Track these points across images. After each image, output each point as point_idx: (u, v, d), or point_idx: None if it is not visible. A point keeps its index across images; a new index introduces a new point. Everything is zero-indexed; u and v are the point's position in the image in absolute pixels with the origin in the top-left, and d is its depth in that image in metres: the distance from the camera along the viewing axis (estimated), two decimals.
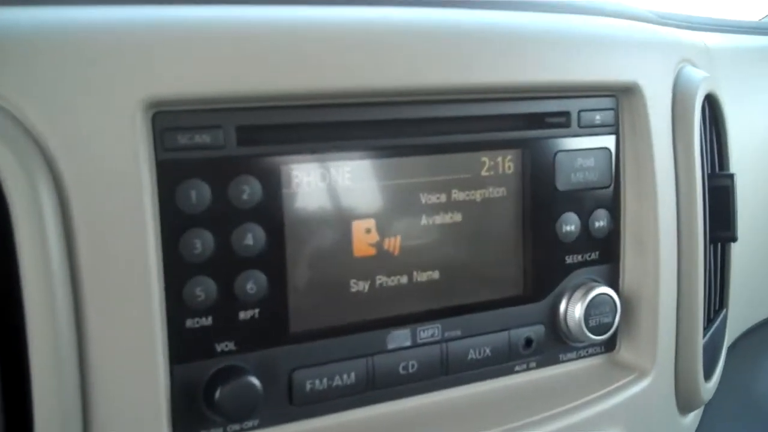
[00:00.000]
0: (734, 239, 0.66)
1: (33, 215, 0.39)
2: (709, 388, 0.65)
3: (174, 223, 0.45)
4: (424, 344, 0.53)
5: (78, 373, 0.42)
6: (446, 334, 0.54)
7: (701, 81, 0.62)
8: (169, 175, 0.44)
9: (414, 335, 0.53)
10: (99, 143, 0.42)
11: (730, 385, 0.72)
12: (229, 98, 0.45)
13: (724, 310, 0.70)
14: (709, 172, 0.65)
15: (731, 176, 0.65)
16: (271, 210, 0.47)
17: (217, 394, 0.45)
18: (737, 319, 0.77)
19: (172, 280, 0.45)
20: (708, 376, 0.65)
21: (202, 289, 0.46)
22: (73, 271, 0.41)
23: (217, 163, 0.45)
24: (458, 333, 0.54)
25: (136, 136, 0.42)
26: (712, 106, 0.67)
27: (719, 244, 0.68)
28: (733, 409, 0.75)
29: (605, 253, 0.59)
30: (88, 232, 0.42)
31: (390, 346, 0.52)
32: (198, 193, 0.45)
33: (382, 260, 0.51)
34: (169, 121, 0.44)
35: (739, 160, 0.71)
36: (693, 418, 0.68)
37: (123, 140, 0.42)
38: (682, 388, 0.62)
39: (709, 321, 0.66)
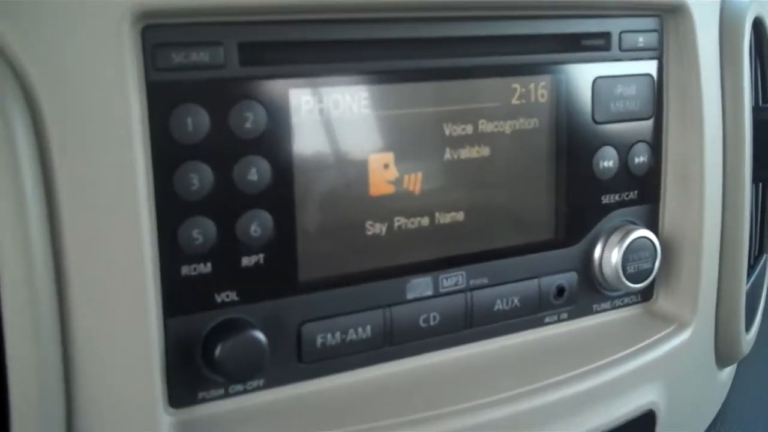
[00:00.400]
0: None
1: (4, 149, 0.33)
2: (749, 339, 0.60)
3: (167, 155, 0.39)
4: (447, 293, 0.48)
5: (58, 328, 0.36)
6: (471, 283, 0.49)
7: (750, 2, 0.56)
8: (162, 99, 0.38)
9: (436, 284, 0.48)
10: (79, 62, 0.36)
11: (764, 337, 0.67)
12: (231, 8, 0.39)
13: (765, 256, 0.64)
14: (753, 104, 0.59)
15: None
16: (278, 141, 0.41)
17: (218, 350, 0.40)
18: None
19: (165, 220, 0.39)
20: (748, 327, 0.60)
21: (200, 231, 0.40)
22: (52, 209, 0.36)
23: (216, 85, 0.39)
24: (484, 281, 0.49)
25: (122, 54, 0.36)
26: (757, 31, 0.61)
27: (760, 185, 0.63)
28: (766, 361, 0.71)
29: (645, 192, 0.54)
30: (67, 166, 0.36)
31: (409, 296, 0.47)
32: (195, 121, 0.39)
33: (401, 200, 0.46)
34: (161, 36, 0.38)
35: None
36: (729, 372, 0.63)
37: (107, 58, 0.36)
38: (722, 340, 0.57)
39: (749, 267, 0.61)
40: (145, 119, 0.38)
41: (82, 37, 0.35)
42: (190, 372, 0.41)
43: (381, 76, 0.44)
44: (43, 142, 0.35)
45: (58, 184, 0.36)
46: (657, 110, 0.53)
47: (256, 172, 0.41)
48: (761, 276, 0.64)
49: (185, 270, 0.40)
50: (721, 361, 0.59)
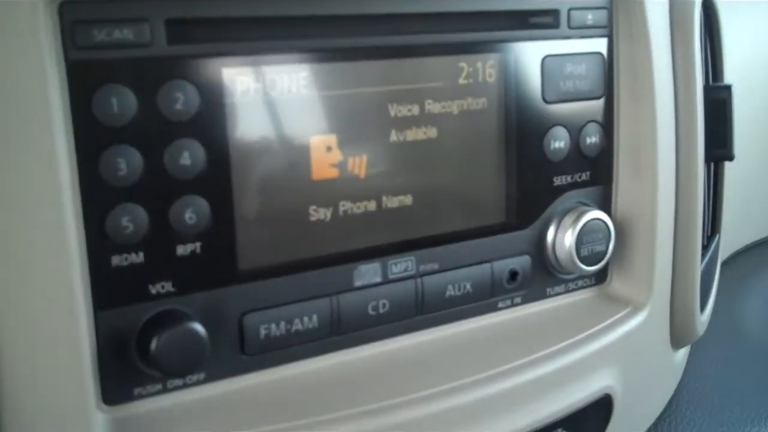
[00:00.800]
0: (731, 157, 0.60)
1: None
2: (703, 320, 0.60)
3: (92, 139, 0.36)
4: (396, 280, 0.46)
5: None
6: (421, 268, 0.47)
7: None
8: (84, 80, 0.36)
9: (384, 270, 0.46)
10: None
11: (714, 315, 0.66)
12: None
13: (717, 236, 0.64)
14: (704, 84, 0.58)
15: (728, 88, 0.59)
16: (212, 123, 0.39)
17: (153, 344, 0.38)
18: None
19: (92, 208, 0.37)
20: (702, 308, 0.59)
21: (130, 218, 0.38)
22: None
23: (142, 64, 0.37)
24: (435, 266, 0.47)
25: (38, 32, 0.34)
26: (707, 11, 0.60)
27: (711, 164, 0.62)
28: (720, 342, 0.71)
29: (597, 173, 0.53)
30: None
31: (357, 284, 0.45)
32: (120, 102, 0.37)
33: (345, 183, 0.44)
34: (81, 13, 0.36)
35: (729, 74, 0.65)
36: (683, 353, 0.63)
37: (22, 37, 0.34)
38: (677, 321, 0.57)
39: (703, 248, 0.60)
40: (66, 101, 0.35)
41: None
42: (125, 367, 0.39)
43: (321, 55, 0.42)
44: None
45: None
46: (608, 89, 0.52)
47: (189, 156, 0.39)
48: (714, 256, 0.63)
49: (116, 260, 0.38)
50: (677, 343, 0.58)
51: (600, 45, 0.51)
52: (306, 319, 0.44)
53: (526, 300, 0.52)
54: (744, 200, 0.84)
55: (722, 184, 0.64)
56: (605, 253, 0.52)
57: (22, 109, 0.34)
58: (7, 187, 0.34)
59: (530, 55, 0.49)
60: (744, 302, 0.81)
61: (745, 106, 0.66)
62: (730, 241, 0.81)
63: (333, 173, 0.44)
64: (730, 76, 0.65)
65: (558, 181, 0.51)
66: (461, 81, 0.47)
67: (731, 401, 0.62)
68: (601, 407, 0.51)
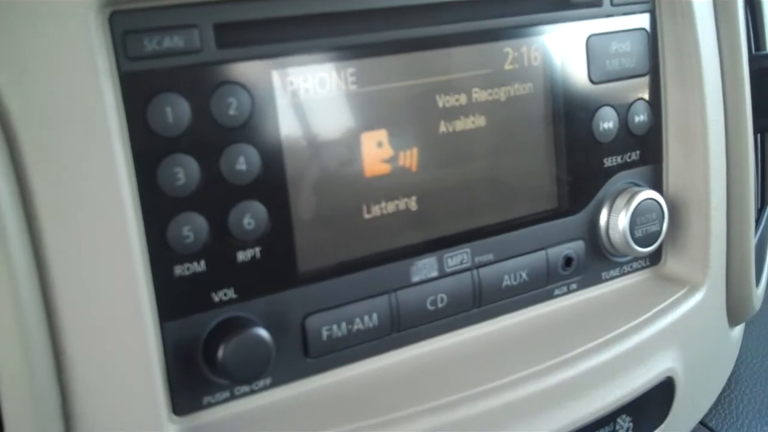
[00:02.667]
0: None
1: None
2: (759, 295, 0.58)
3: (149, 150, 0.36)
4: (453, 273, 0.46)
5: (48, 344, 0.34)
6: (477, 260, 0.46)
7: None
8: (138, 91, 0.36)
9: (441, 263, 0.45)
10: (45, 58, 0.33)
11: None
12: None
13: None
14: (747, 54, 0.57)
15: None
16: (265, 126, 0.39)
17: (220, 352, 0.38)
18: None
19: (152, 219, 0.37)
20: (757, 282, 0.58)
21: (191, 228, 0.37)
22: (31, 220, 0.33)
23: (194, 71, 0.37)
24: (490, 257, 0.47)
25: (91, 44, 0.34)
26: None
27: (759, 135, 0.61)
28: None
29: (647, 152, 0.52)
30: (43, 171, 0.33)
31: (414, 279, 0.45)
32: (175, 111, 0.36)
33: (398, 178, 0.43)
34: (130, 22, 0.35)
35: None
36: (739, 330, 0.62)
37: (75, 51, 0.33)
38: (733, 298, 0.56)
39: (755, 221, 0.59)
40: (122, 113, 0.35)
41: (45, 30, 0.33)
42: (193, 377, 0.39)
43: (366, 50, 0.41)
44: (14, 148, 0.33)
45: (34, 191, 0.33)
46: (653, 66, 0.51)
47: (244, 161, 0.38)
48: (766, 229, 0.62)
49: (178, 270, 0.38)
50: (734, 320, 0.57)
51: (643, 21, 0.50)
52: (366, 318, 0.43)
53: (582, 286, 0.51)
54: None
55: None
56: (659, 233, 0.51)
57: (79, 125, 0.34)
58: (68, 204, 0.34)
59: (574, 35, 0.48)
60: None
61: None
62: None
63: (385, 169, 0.43)
64: None
65: (608, 162, 0.50)
66: (507, 67, 0.46)
67: None
68: (664, 390, 0.51)
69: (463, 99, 0.45)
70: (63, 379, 0.35)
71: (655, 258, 0.54)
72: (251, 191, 0.39)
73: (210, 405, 0.40)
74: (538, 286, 0.49)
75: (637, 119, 0.50)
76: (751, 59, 0.56)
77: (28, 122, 0.33)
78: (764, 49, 0.61)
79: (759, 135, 0.61)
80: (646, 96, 0.51)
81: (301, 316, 0.41)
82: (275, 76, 0.39)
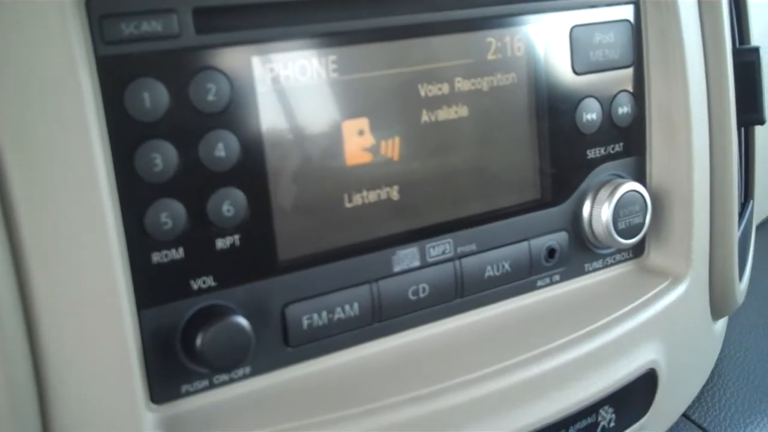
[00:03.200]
0: (762, 121, 0.58)
1: None
2: (742, 289, 0.59)
3: (126, 135, 0.36)
4: (435, 263, 0.46)
5: (23, 331, 0.33)
6: (459, 250, 0.46)
7: None
8: (115, 75, 0.35)
9: (423, 253, 0.45)
10: (19, 43, 0.32)
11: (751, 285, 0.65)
12: None
13: (751, 202, 0.63)
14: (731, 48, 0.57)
15: (756, 50, 0.58)
16: (244, 112, 0.39)
17: (198, 340, 0.37)
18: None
19: (130, 206, 0.36)
20: (740, 276, 0.58)
21: (169, 214, 0.37)
22: (6, 207, 0.33)
23: (172, 56, 0.36)
24: (473, 247, 0.47)
25: (67, 28, 0.33)
26: None
27: (743, 129, 0.61)
28: (755, 308, 0.70)
29: (630, 144, 0.52)
30: (20, 159, 0.33)
31: (396, 269, 0.45)
32: (152, 96, 0.36)
33: (379, 167, 0.43)
34: (107, 6, 0.35)
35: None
36: (722, 323, 0.62)
37: (50, 35, 0.33)
38: (717, 290, 0.56)
39: (738, 215, 0.59)
40: (99, 98, 0.35)
41: (20, 13, 0.32)
42: (171, 365, 0.39)
43: (348, 37, 0.41)
44: None
45: (9, 177, 0.33)
46: (637, 58, 0.51)
47: (223, 147, 0.38)
48: (749, 223, 0.62)
49: (156, 257, 0.37)
50: (717, 313, 0.57)
51: (627, 12, 0.50)
52: (347, 307, 0.43)
53: (565, 277, 0.51)
54: None
55: (753, 148, 0.62)
56: (643, 225, 0.51)
57: (55, 110, 0.33)
58: (44, 190, 0.33)
59: (558, 26, 0.48)
60: None
61: None
62: (761, 206, 0.79)
63: (366, 158, 0.43)
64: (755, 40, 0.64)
65: (592, 153, 0.50)
66: (490, 56, 0.46)
67: None
68: (647, 382, 0.51)
69: (445, 88, 0.45)
70: (38, 368, 0.34)
71: (638, 250, 0.54)
72: (230, 178, 0.38)
73: (188, 394, 0.39)
74: (521, 277, 0.49)
75: (620, 111, 0.50)
76: (735, 53, 0.56)
77: (2, 107, 0.32)
78: (748, 43, 0.61)
79: (742, 129, 0.61)
80: (630, 88, 0.51)
81: (282, 305, 0.41)
82: (255, 63, 0.38)
